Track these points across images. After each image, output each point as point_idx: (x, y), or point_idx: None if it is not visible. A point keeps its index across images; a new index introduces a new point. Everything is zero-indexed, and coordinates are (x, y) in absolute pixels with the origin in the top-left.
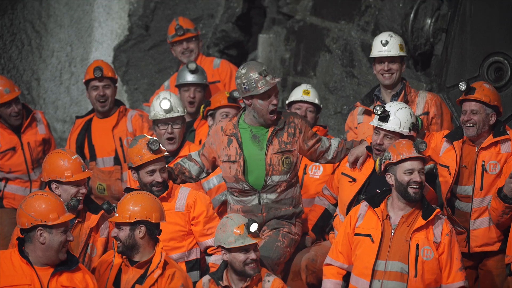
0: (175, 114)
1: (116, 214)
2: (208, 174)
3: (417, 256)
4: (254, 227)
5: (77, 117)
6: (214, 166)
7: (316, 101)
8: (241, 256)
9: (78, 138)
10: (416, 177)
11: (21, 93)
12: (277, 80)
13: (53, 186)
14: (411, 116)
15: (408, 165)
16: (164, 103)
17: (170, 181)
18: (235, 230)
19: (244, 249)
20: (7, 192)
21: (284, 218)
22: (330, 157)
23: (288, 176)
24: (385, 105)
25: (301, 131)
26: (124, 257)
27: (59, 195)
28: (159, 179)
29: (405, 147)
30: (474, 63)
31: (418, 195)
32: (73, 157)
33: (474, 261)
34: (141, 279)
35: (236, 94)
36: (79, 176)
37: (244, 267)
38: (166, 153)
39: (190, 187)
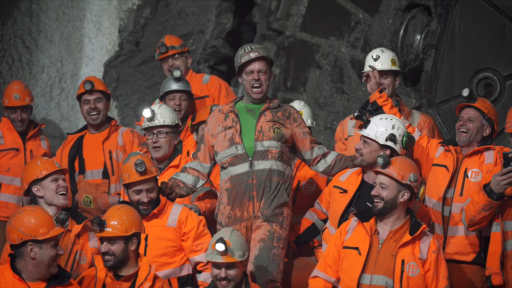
0: (158, 123)
1: (108, 229)
2: (207, 177)
3: (402, 271)
4: (218, 246)
5: (68, 134)
6: (213, 157)
7: (309, 122)
8: (214, 271)
9: (70, 152)
10: (373, 190)
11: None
12: (253, 55)
13: (34, 189)
14: (393, 128)
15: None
16: (145, 111)
17: (163, 198)
18: (212, 243)
19: (215, 265)
20: (0, 201)
21: (274, 191)
22: (327, 164)
23: (279, 144)
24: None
25: (296, 120)
26: (110, 272)
27: (42, 196)
28: (145, 200)
29: None
30: (464, 79)
31: (376, 210)
32: (44, 158)
33: None
34: None
35: (215, 108)
36: (53, 166)
37: (216, 282)
38: (156, 174)
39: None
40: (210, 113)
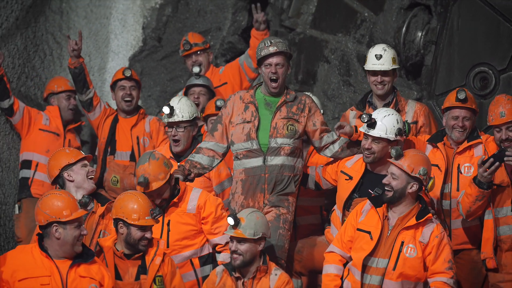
0: (177, 119)
1: (151, 218)
2: (222, 156)
3: (400, 251)
4: (229, 220)
5: (108, 105)
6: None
7: None
8: (230, 244)
9: (110, 129)
10: (385, 179)
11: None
12: (272, 49)
13: (66, 174)
14: (398, 122)
15: None
16: (165, 108)
17: (182, 184)
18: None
19: (230, 238)
20: (36, 179)
21: (285, 184)
22: (335, 149)
23: (291, 141)
24: (371, 113)
25: (310, 110)
26: (120, 251)
27: (73, 180)
28: (157, 202)
29: None
30: (461, 73)
31: (386, 198)
32: (71, 148)
33: None
34: (142, 270)
35: (219, 103)
36: (80, 154)
37: (232, 254)
38: (162, 183)
39: (201, 189)
40: (215, 107)
